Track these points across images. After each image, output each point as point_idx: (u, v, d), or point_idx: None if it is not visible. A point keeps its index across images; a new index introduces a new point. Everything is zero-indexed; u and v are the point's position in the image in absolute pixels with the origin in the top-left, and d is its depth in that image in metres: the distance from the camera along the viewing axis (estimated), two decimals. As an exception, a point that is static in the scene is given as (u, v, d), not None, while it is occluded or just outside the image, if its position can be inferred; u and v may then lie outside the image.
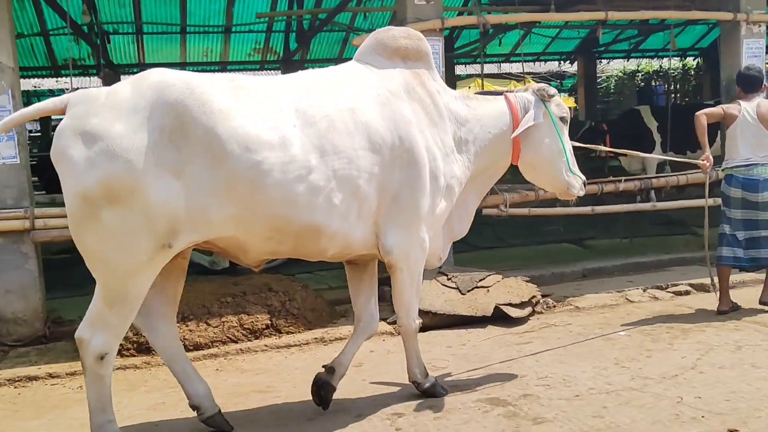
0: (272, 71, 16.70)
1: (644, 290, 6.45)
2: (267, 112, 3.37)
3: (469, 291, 5.74)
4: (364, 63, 3.91)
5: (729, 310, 5.52)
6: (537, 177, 4.32)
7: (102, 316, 3.26)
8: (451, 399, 4.00)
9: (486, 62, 18.74)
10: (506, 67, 19.18)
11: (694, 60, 19.67)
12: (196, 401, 3.69)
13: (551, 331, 5.35)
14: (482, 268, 7.21)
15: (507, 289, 5.82)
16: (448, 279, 5.89)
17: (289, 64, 15.51)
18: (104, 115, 3.14)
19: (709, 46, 17.72)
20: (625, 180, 7.36)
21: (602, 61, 19.50)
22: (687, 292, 6.40)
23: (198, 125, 3.19)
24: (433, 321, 5.51)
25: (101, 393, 3.32)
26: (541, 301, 6.05)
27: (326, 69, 3.96)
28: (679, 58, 20.07)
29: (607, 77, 21.27)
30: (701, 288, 6.46)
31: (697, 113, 5.46)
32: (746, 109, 5.47)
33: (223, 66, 16.37)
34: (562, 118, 4.22)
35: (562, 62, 18.95)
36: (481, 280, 5.85)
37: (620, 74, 20.77)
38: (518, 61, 19.15)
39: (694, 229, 9.23)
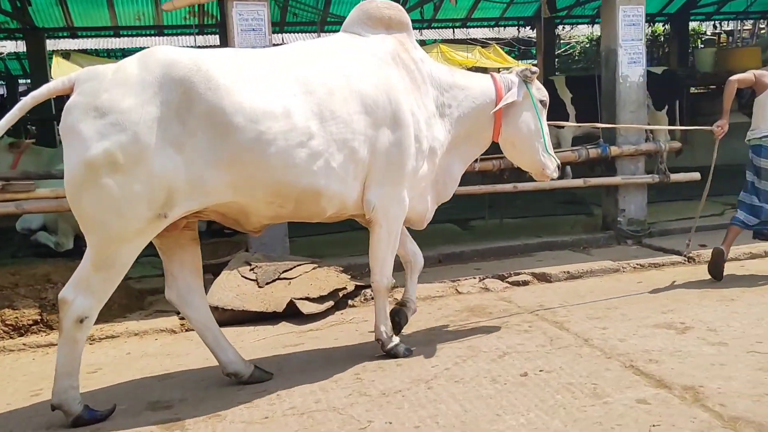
0: (211, 35, 16.26)
1: (480, 280, 6.00)
2: (268, 84, 3.57)
3: (268, 283, 5.31)
4: (350, 33, 4.15)
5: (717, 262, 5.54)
6: (515, 154, 4.57)
7: (87, 280, 3.38)
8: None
9: (441, 27, 18.17)
10: (462, 33, 18.48)
11: (663, 26, 18.85)
12: (231, 369, 3.88)
13: (338, 330, 4.92)
14: (341, 253, 6.87)
15: (312, 281, 5.38)
16: (251, 269, 5.46)
17: (224, 26, 15.06)
18: (113, 91, 3.30)
19: (676, 11, 16.94)
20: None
21: (565, 27, 18.73)
22: (525, 283, 5.93)
23: (203, 101, 3.37)
24: (223, 317, 5.05)
25: (72, 357, 3.42)
26: (360, 293, 5.64)
27: (319, 39, 4.30)
28: (647, 24, 19.29)
29: (576, 43, 20.48)
30: (543, 278, 6.00)
31: (730, 78, 5.39)
32: None
33: (159, 30, 15.90)
34: (541, 101, 4.48)
35: (521, 28, 18.20)
36: (286, 271, 5.42)
37: (586, 40, 19.96)
38: (476, 27, 18.51)
39: (592, 208, 8.77)
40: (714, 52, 12.79)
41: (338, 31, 4.30)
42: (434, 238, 7.45)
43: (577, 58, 20.44)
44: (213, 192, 3.47)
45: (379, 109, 3.87)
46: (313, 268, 5.53)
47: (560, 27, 18.71)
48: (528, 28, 18.02)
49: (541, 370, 3.85)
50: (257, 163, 3.49)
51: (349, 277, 5.67)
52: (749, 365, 3.77)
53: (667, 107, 10.05)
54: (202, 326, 3.88)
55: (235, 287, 5.26)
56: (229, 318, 5.13)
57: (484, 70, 15.64)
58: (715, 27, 19.71)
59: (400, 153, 3.94)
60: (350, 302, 5.55)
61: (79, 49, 18.16)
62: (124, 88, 3.32)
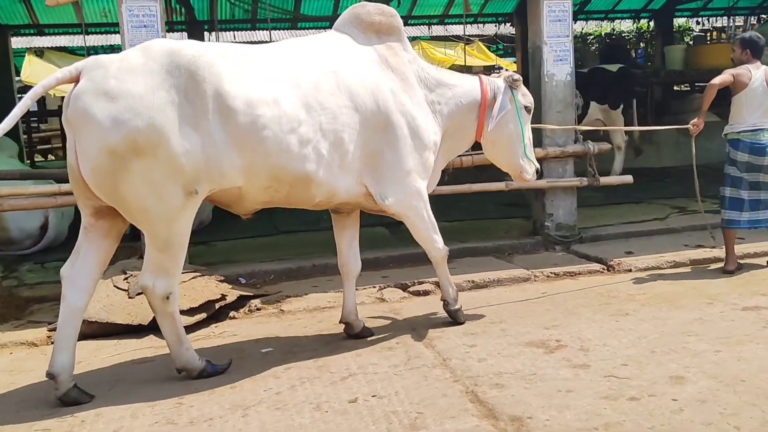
0: (179, 32, 16.05)
1: (380, 289, 5.69)
2: (261, 75, 3.78)
3: (138, 294, 5.02)
4: (342, 33, 4.29)
5: (735, 270, 5.67)
6: (495, 155, 4.75)
7: (157, 263, 3.67)
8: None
9: (418, 24, 17.80)
10: (439, 30, 18.13)
11: (648, 22, 18.39)
12: (53, 370, 3.63)
13: (200, 345, 4.57)
14: (254, 258, 6.61)
15: (187, 291, 5.07)
16: (125, 279, 5.18)
17: (195, 24, 14.90)
18: (122, 77, 3.46)
19: (661, 7, 16.49)
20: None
21: (546, 23, 18.30)
22: (425, 293, 5.61)
23: (208, 84, 3.56)
24: (90, 329, 4.79)
25: (174, 327, 3.80)
26: (246, 304, 5.35)
27: (309, 36, 4.43)
28: (632, 20, 18.83)
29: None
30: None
31: (712, 82, 5.58)
32: (756, 76, 5.58)
33: (127, 29, 15.68)
34: (526, 107, 4.65)
35: (499, 24, 17.79)
36: (161, 281, 5.13)
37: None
38: (454, 24, 18.13)
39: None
40: (684, 49, 12.35)
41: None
42: (363, 243, 7.16)
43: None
44: (228, 174, 3.68)
45: (369, 111, 4.04)
46: (193, 278, 5.24)
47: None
48: (509, 24, 17.63)
49: (373, 396, 3.53)
50: (257, 148, 3.69)
51: (231, 286, 5.38)
52: (597, 392, 3.43)
53: (622, 106, 9.65)
54: (67, 315, 3.70)
55: (104, 297, 4.98)
56: (97, 330, 4.87)
57: (468, 69, 15.35)
58: (699, 23, 19.22)
59: (397, 152, 4.14)
60: (233, 314, 5.25)
61: (52, 47, 18.07)
62: (132, 74, 3.48)
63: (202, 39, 15.16)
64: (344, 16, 4.34)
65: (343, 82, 3.99)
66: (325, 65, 4.00)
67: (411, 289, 5.71)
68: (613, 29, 19.15)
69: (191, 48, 3.67)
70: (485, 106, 4.51)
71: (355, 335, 4.51)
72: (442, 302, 4.72)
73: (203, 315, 5.01)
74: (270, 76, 3.81)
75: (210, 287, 5.19)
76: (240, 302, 5.35)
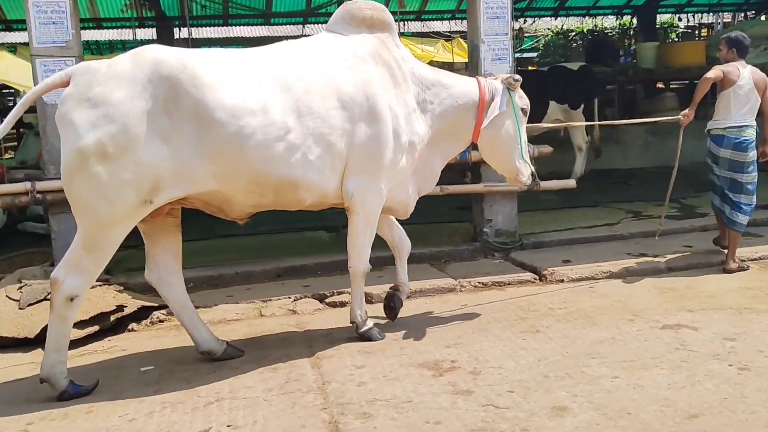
0: (149, 28, 15.81)
1: (294, 300, 5.41)
2: (249, 81, 3.78)
3: (30, 305, 4.76)
4: (333, 32, 4.32)
5: (737, 269, 5.72)
6: (491, 157, 4.75)
7: (79, 261, 3.65)
8: None
9: (396, 20, 17.50)
10: (416, 26, 17.82)
11: (631, 18, 18.06)
12: (205, 347, 4.14)
13: (85, 360, 4.34)
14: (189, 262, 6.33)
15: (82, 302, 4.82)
16: (19, 288, 4.91)
17: (165, 19, 14.66)
18: (106, 84, 3.53)
19: (643, 3, 16.17)
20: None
21: (527, 19, 17.98)
22: (342, 304, 5.32)
23: (189, 96, 3.59)
24: (-25, 342, 4.57)
25: (61, 333, 3.71)
26: (150, 315, 5.08)
27: (300, 39, 4.39)
28: (615, 17, 18.51)
29: (541, 37, 19.71)
30: (366, 298, 5.39)
31: (706, 75, 5.66)
32: (744, 74, 5.68)
33: (97, 23, 15.47)
34: (522, 109, 4.62)
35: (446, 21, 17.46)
36: (54, 291, 4.86)
37: (550, 33, 19.18)
38: (432, 20, 17.83)
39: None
40: (656, 46, 12.00)
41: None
42: (294, 247, 6.90)
43: (541, 51, 19.64)
44: (198, 181, 3.69)
45: (356, 104, 4.03)
46: (90, 287, 4.96)
47: (522, 20, 17.95)
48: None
49: (228, 426, 3.27)
50: (238, 156, 3.69)
51: (132, 296, 5.10)
52: (466, 425, 3.15)
53: (583, 106, 9.34)
54: (179, 307, 4.12)
55: (-9, 309, 4.72)
56: (-18, 343, 4.61)
57: (450, 66, 15.05)
58: (684, 20, 18.89)
59: (378, 146, 4.10)
60: (133, 326, 4.98)
61: (24, 43, 17.81)
62: (115, 81, 3.53)
63: (171, 35, 14.95)
64: (336, 14, 4.38)
65: (333, 83, 4.00)
66: (314, 68, 4.01)
67: (328, 300, 5.44)
68: (596, 25, 18.80)
69: (177, 58, 3.67)
70: (483, 108, 4.48)
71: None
72: (351, 324, 4.51)
73: (95, 328, 4.73)
74: (260, 82, 3.81)
75: (107, 298, 4.92)
76: (143, 313, 5.09)
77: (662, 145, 11.18)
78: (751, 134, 5.72)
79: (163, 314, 5.11)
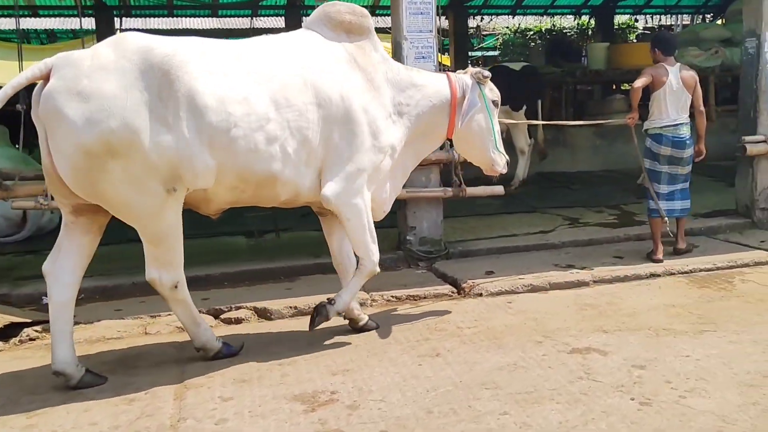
0: (88, 17, 15.20)
1: (185, 317, 4.96)
2: (231, 72, 3.77)
3: None
4: (312, 31, 4.28)
5: (685, 250, 6.10)
6: (467, 150, 4.80)
7: (156, 256, 3.73)
8: None
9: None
10: (381, 22, 17.36)
11: (589, 19, 17.82)
12: (60, 367, 3.71)
13: None
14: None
15: (-63, 319, 4.35)
16: None
17: (105, 9, 14.12)
18: (94, 77, 3.43)
19: (601, 3, 15.94)
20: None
21: (483, 17, 17.68)
22: (237, 321, 4.91)
23: (181, 83, 3.55)
24: None
25: (188, 311, 3.96)
26: (20, 333, 4.60)
27: (280, 35, 4.32)
28: (573, 16, 18.26)
29: (500, 35, 19.41)
30: (263, 314, 4.98)
31: (634, 86, 5.89)
32: (672, 73, 5.86)
33: (33, 12, 14.82)
34: (494, 101, 4.67)
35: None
36: None
37: (508, 31, 18.88)
38: (385, 15, 17.41)
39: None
40: (607, 47, 11.73)
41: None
42: (206, 254, 6.44)
43: (501, 50, 19.34)
44: (201, 175, 3.64)
45: (333, 104, 4.02)
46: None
47: (479, 18, 17.66)
48: (443, 18, 16.93)
49: (48, 475, 2.83)
50: (227, 148, 3.67)
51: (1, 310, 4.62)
52: (319, 475, 2.75)
53: (525, 107, 9.01)
54: (58, 309, 3.74)
55: None
56: None
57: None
58: (641, 20, 18.74)
59: (352, 147, 4.09)
60: None
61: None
62: (103, 73, 3.44)
63: (112, 25, 14.38)
64: (315, 14, 4.35)
65: (310, 78, 3.99)
66: (293, 63, 4.01)
67: (224, 315, 5.00)
68: (554, 25, 18.54)
69: (164, 46, 3.62)
70: (455, 104, 4.49)
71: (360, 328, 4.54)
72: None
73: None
74: (241, 73, 3.81)
75: (-34, 314, 4.43)
76: (13, 330, 4.61)
77: (610, 148, 10.93)
78: (686, 131, 5.93)
79: (36, 331, 4.65)
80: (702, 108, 6.04)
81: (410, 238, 6.29)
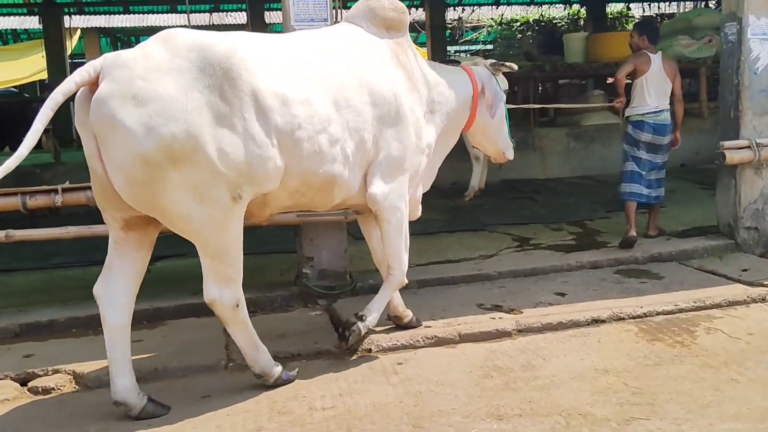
0: (34, 16, 14.34)
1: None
2: (290, 71, 3.59)
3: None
4: (356, 26, 4.13)
5: (635, 239, 5.92)
6: (483, 141, 4.79)
7: (216, 272, 3.46)
8: None
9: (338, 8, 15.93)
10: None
11: (580, 8, 16.60)
12: (121, 396, 3.44)
13: None
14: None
15: None
16: None
17: (52, 6, 13.41)
18: (150, 78, 3.17)
19: (591, -8, 14.77)
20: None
21: (465, 8, 16.48)
22: (47, 390, 3.83)
23: (244, 82, 3.34)
24: None
25: (248, 334, 3.65)
26: None
27: (326, 29, 4.35)
28: (563, 6, 17.04)
29: (485, 26, 18.19)
30: (81, 381, 3.91)
31: (617, 76, 6.01)
32: (654, 61, 5.95)
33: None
34: (505, 91, 4.66)
35: (413, 9, 15.91)
36: None
37: (493, 23, 17.67)
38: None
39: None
40: (584, 38, 10.51)
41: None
42: (74, 289, 5.37)
43: (483, 42, 18.14)
44: (272, 176, 3.47)
45: (386, 103, 3.93)
46: None
47: (461, 9, 16.46)
48: (420, 9, 15.76)
49: None
50: (292, 150, 3.51)
51: None
52: None
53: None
54: (115, 333, 3.46)
55: None
56: None
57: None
58: (640, 9, 17.45)
59: (402, 149, 4.02)
60: None
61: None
62: (159, 74, 3.18)
63: (60, 24, 13.56)
64: (358, 8, 4.18)
65: (365, 77, 3.88)
66: (347, 61, 3.87)
67: (33, 383, 3.93)
68: (542, 15, 17.31)
69: (223, 42, 3.38)
70: (477, 99, 4.48)
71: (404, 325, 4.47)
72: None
73: None
74: (299, 72, 3.62)
75: None
76: None
77: (586, 151, 9.75)
78: (667, 118, 6.02)
79: None
80: (681, 97, 6.10)
81: (307, 271, 5.18)
